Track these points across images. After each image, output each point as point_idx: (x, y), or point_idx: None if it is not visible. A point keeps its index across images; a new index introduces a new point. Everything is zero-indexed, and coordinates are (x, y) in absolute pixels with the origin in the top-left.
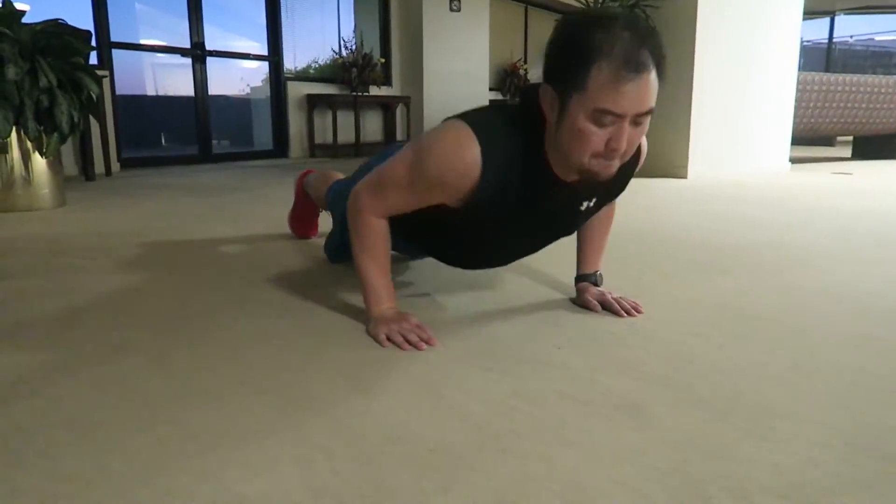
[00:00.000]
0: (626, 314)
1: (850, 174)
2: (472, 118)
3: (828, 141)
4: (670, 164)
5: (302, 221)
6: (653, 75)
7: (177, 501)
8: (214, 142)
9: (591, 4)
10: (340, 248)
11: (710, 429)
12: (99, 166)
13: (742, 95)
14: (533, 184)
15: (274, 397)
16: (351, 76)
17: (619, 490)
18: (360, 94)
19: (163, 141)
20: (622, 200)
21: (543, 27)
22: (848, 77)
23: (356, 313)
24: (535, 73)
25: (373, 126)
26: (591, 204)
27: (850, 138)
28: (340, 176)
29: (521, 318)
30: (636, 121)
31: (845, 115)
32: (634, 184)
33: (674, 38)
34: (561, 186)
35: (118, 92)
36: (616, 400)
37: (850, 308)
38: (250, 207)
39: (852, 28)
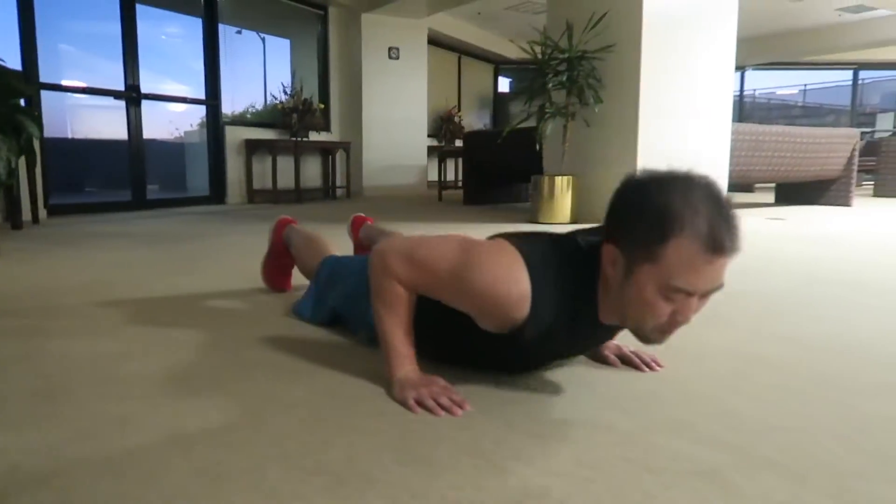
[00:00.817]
0: (647, 368)
1: (783, 219)
2: (526, 250)
3: (748, 188)
4: None
5: (280, 272)
6: (733, 255)
7: None
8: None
9: (539, 56)
10: (320, 310)
11: (799, 495)
12: (25, 213)
13: (684, 143)
14: (578, 330)
15: (325, 479)
16: (291, 121)
17: None
18: (300, 139)
19: (91, 187)
20: None
21: (476, 75)
22: (775, 128)
23: (371, 376)
24: (468, 121)
25: (312, 172)
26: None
27: (772, 185)
28: (333, 249)
29: (547, 379)
30: (705, 294)
31: (773, 163)
32: None
33: (619, 89)
34: (604, 327)
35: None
36: (688, 466)
37: (858, 357)
38: (207, 256)
39: (756, 83)
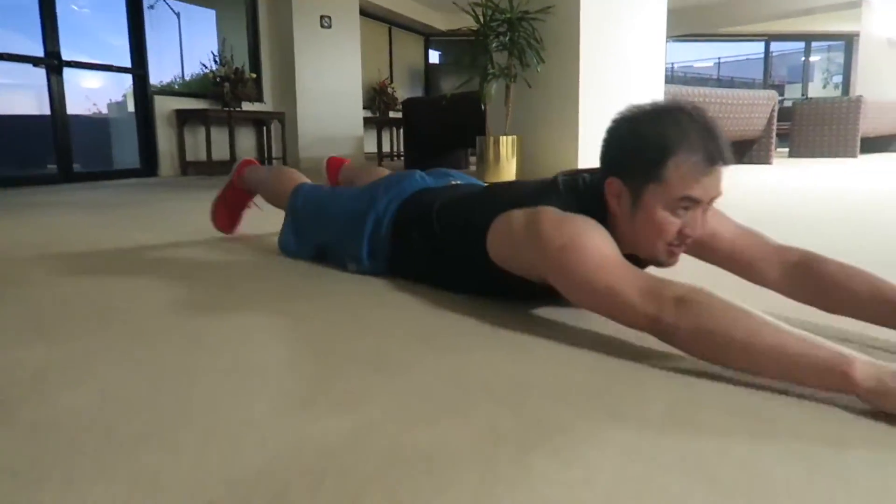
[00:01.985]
0: None
1: None
2: (554, 206)
3: None
4: (562, 166)
5: (230, 212)
6: (726, 164)
7: None
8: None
9: (481, 18)
10: (304, 246)
11: None
12: None
13: (621, 104)
14: None
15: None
16: (223, 91)
17: None
18: (233, 109)
19: (4, 165)
20: None
21: (407, 47)
22: (703, 89)
23: (358, 293)
24: (401, 93)
25: (247, 143)
26: None
27: None
28: (304, 178)
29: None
30: (707, 207)
31: None
32: None
33: (560, 48)
34: None
35: None
36: None
37: None
38: (158, 217)
39: (674, 56)
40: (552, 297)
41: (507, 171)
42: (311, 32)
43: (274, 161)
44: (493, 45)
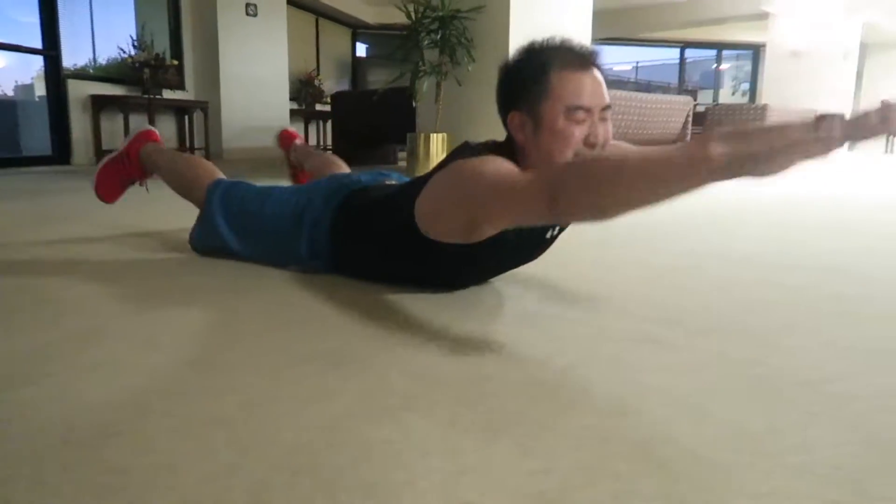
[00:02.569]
0: None
1: None
2: (480, 154)
3: None
4: None
5: (119, 182)
6: (600, 70)
7: None
8: None
9: (413, 15)
10: (239, 247)
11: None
12: None
13: None
14: (524, 235)
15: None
16: (143, 77)
17: None
18: (153, 96)
19: None
20: None
21: (334, 39)
22: (624, 93)
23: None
24: (328, 86)
25: (168, 132)
26: (556, 232)
27: None
28: (220, 172)
29: (500, 285)
30: (602, 116)
31: (622, 125)
32: None
33: (490, 49)
34: (540, 232)
35: None
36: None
37: (702, 255)
38: (80, 207)
39: None
40: (486, 263)
41: None
42: (236, 20)
43: (196, 152)
44: (426, 42)
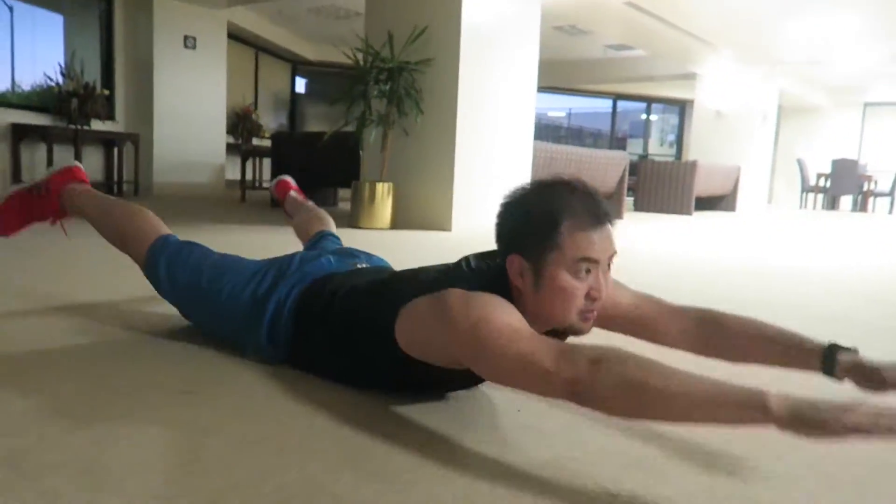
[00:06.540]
0: None
1: None
2: (460, 288)
3: None
4: (437, 218)
5: (24, 217)
6: (611, 224)
7: None
8: None
9: (362, 64)
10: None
11: None
12: None
13: (494, 156)
14: None
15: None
16: (70, 107)
17: None
18: (80, 127)
19: None
20: None
21: (273, 73)
22: (567, 147)
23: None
24: (265, 120)
25: (94, 164)
26: None
27: None
28: (165, 228)
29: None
30: (606, 267)
31: None
32: (409, 236)
33: (439, 101)
34: None
35: None
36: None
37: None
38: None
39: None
40: (468, 380)
41: (382, 216)
42: (174, 52)
43: (124, 185)
44: (374, 92)
